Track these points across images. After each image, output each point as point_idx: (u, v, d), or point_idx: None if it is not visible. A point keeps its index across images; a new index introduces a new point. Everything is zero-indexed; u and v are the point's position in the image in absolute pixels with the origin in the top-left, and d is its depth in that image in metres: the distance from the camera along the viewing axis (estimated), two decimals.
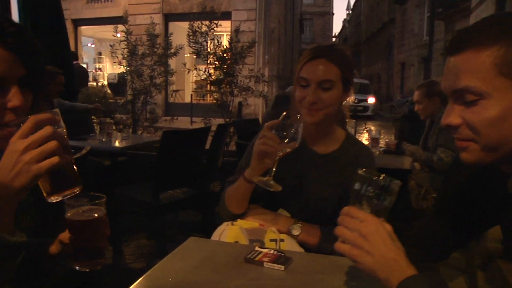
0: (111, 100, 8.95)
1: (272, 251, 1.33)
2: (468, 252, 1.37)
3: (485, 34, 0.85)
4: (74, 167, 0.91)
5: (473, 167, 1.07)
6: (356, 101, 19.58)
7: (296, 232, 1.58)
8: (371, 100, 21.54)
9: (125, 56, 8.12)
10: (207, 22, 7.30)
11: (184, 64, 7.96)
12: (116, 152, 3.99)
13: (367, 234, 0.93)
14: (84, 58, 20.24)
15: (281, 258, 1.29)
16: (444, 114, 0.95)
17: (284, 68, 22.88)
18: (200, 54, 7.32)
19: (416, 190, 3.31)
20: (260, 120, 7.32)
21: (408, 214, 3.20)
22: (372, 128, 4.15)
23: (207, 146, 3.85)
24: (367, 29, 42.92)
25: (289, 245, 1.54)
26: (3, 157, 0.84)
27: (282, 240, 1.54)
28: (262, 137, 1.44)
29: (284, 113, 1.47)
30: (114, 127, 4.36)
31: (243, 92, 7.35)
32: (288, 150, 1.44)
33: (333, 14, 57.48)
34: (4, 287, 0.89)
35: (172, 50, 8.14)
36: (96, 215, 1.04)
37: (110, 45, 8.14)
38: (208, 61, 7.31)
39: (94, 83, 18.32)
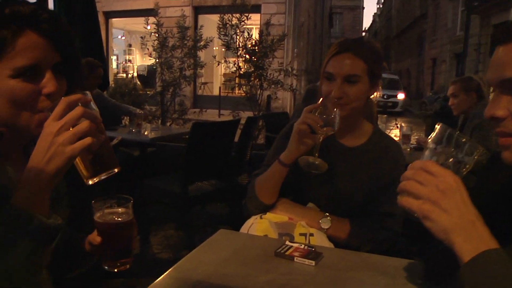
0: (141, 92, 9.06)
1: (302, 246, 1.32)
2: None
3: None
4: (110, 147, 0.91)
5: None
6: (385, 97, 19.32)
7: (325, 225, 1.57)
8: (401, 96, 21.20)
9: (156, 48, 8.18)
10: (237, 15, 7.29)
11: (214, 57, 7.97)
12: (145, 143, 4.03)
13: (446, 190, 0.82)
14: (114, 50, 20.53)
15: (312, 253, 1.27)
16: (488, 105, 0.89)
17: (313, 62, 22.71)
18: (230, 47, 7.32)
19: None
20: (290, 113, 7.28)
21: None
22: (403, 124, 4.06)
23: (236, 139, 3.85)
24: (398, 23, 42.26)
25: (319, 240, 1.53)
26: (38, 140, 0.85)
27: (311, 235, 1.54)
28: (303, 118, 1.45)
29: (322, 98, 1.48)
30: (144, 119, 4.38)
31: (272, 86, 7.33)
32: (329, 133, 1.46)
33: (363, 8, 56.81)
34: (42, 272, 0.91)
35: (202, 43, 8.15)
36: (124, 218, 1.05)
37: (141, 37, 8.23)
38: (238, 54, 7.30)
39: (124, 75, 18.59)
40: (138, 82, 12.57)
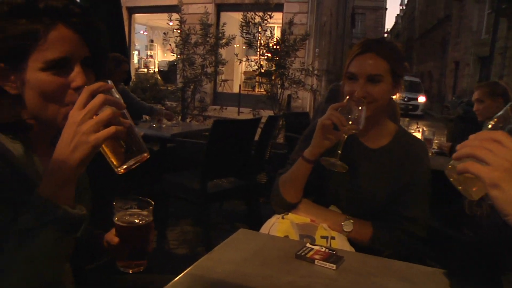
0: (162, 87, 9.12)
1: (323, 249, 1.31)
2: None
3: None
4: (136, 133, 0.90)
5: None
6: (406, 100, 19.11)
7: (348, 228, 1.56)
8: (422, 99, 20.97)
9: (178, 44, 8.22)
10: (260, 13, 7.28)
11: (236, 55, 7.97)
12: (165, 138, 4.05)
13: None
14: (136, 45, 20.71)
15: (333, 256, 1.26)
16: None
17: (334, 62, 22.57)
18: (252, 45, 7.31)
19: None
20: (310, 113, 7.25)
21: (460, 220, 3.08)
22: (425, 128, 4.01)
23: (256, 137, 3.84)
24: (421, 25, 41.74)
25: (340, 243, 1.52)
26: (63, 130, 0.86)
27: (333, 238, 1.53)
28: (328, 114, 1.45)
29: (348, 97, 1.48)
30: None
31: (294, 85, 7.30)
32: (353, 131, 1.46)
33: (386, 9, 56.16)
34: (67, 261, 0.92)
35: (224, 40, 8.16)
36: (143, 222, 1.06)
37: (164, 33, 8.26)
38: (260, 52, 7.29)
39: (145, 70, 18.76)
40: (159, 78, 12.66)
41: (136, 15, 18.36)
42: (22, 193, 0.91)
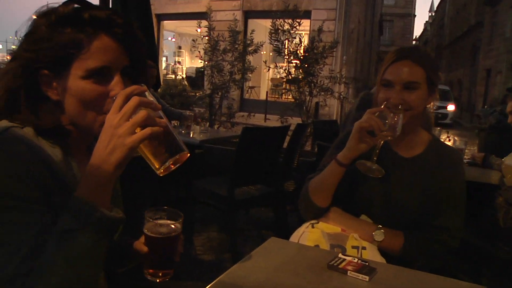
0: (191, 94, 9.20)
1: (356, 260, 1.29)
2: None
3: None
4: (173, 133, 0.89)
5: None
6: (435, 108, 18.77)
7: (379, 237, 1.54)
8: (451, 107, 20.58)
9: (207, 51, 8.28)
10: (289, 20, 7.29)
11: (265, 62, 7.99)
12: (194, 144, 4.08)
13: None
14: (164, 51, 21.04)
15: (366, 268, 1.24)
16: None
17: (361, 69, 22.43)
18: (281, 52, 7.32)
19: (505, 208, 3.07)
20: (339, 121, 7.21)
21: (494, 233, 3.00)
22: (457, 138, 3.92)
23: (284, 144, 3.83)
24: (451, 32, 41.14)
25: (371, 254, 1.49)
26: (100, 134, 0.87)
27: (364, 248, 1.51)
28: (366, 118, 1.44)
29: (385, 102, 1.48)
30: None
31: (322, 93, 7.27)
32: (389, 138, 1.45)
33: (415, 16, 55.46)
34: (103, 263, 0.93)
35: (253, 47, 8.19)
36: (172, 233, 1.07)
37: (193, 40, 8.35)
38: (289, 60, 7.29)
39: (173, 76, 19.03)
40: (187, 84, 12.81)
41: (165, 22, 18.66)
42: (61, 197, 0.92)
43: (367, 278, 1.20)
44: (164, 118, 0.89)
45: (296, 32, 7.42)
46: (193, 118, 4.35)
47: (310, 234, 1.56)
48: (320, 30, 7.62)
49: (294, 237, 1.59)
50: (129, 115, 0.85)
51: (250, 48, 8.20)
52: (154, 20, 16.46)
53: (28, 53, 0.96)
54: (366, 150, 1.49)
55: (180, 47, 23.23)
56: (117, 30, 0.98)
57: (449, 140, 3.99)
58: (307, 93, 7.31)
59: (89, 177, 0.87)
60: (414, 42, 62.80)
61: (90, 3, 1.00)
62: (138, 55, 1.05)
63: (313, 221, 1.62)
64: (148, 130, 0.84)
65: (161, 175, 0.89)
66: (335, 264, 1.25)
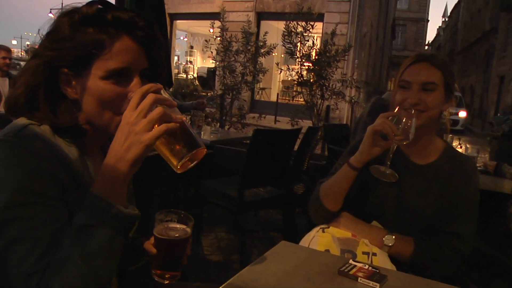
0: (203, 93, 9.21)
1: (366, 266, 1.28)
2: None
3: None
4: (189, 130, 0.89)
5: None
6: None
7: (389, 242, 1.52)
8: (462, 114, 20.43)
9: (219, 51, 8.29)
10: (303, 23, 7.28)
11: (277, 64, 7.98)
12: (205, 145, 4.09)
13: None
14: (176, 50, 21.11)
15: (376, 275, 1.23)
16: None
17: (373, 74, 22.34)
18: (294, 54, 7.31)
19: None
20: (349, 125, 7.19)
21: (506, 242, 2.97)
22: (469, 145, 3.89)
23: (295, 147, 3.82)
24: (464, 38, 40.84)
25: (381, 261, 1.48)
26: (117, 131, 0.88)
27: (374, 254, 1.50)
28: (380, 122, 1.44)
29: (398, 107, 1.49)
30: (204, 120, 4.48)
31: (334, 96, 7.25)
32: (402, 142, 1.45)
33: (428, 20, 55.16)
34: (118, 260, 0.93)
35: (266, 49, 8.19)
36: (182, 236, 1.07)
37: (206, 40, 8.36)
38: (301, 62, 7.28)
39: (184, 75, 19.09)
40: (198, 83, 12.84)
41: (178, 21, 18.72)
42: (77, 195, 0.93)
43: (377, 285, 1.19)
44: (181, 116, 0.89)
45: (310, 35, 7.42)
46: (203, 105, 4.34)
47: (321, 239, 1.55)
48: (333, 33, 7.60)
49: (304, 241, 1.58)
50: (146, 113, 0.85)
51: (263, 50, 8.20)
52: (167, 19, 16.54)
53: (50, 51, 0.97)
54: (378, 154, 1.49)
55: (192, 47, 23.30)
56: (139, 32, 0.99)
57: (461, 148, 3.96)
58: (318, 96, 7.29)
59: (105, 174, 0.88)
60: (426, 47, 62.49)
61: (113, 4, 1.01)
62: (158, 57, 1.06)
63: (323, 226, 1.61)
64: (164, 126, 0.84)
65: (178, 171, 0.89)
66: (345, 270, 1.25)
